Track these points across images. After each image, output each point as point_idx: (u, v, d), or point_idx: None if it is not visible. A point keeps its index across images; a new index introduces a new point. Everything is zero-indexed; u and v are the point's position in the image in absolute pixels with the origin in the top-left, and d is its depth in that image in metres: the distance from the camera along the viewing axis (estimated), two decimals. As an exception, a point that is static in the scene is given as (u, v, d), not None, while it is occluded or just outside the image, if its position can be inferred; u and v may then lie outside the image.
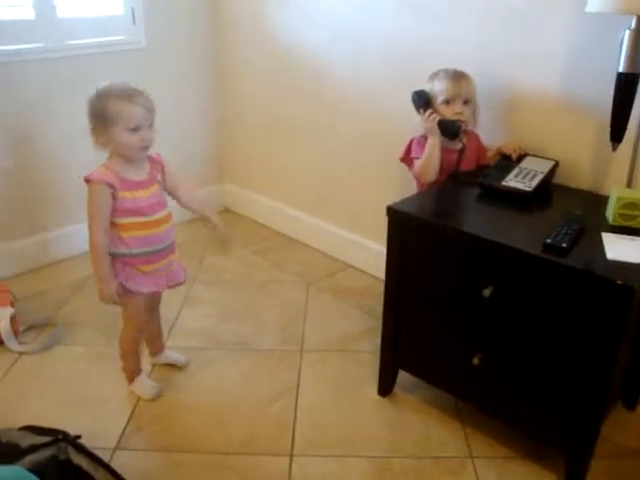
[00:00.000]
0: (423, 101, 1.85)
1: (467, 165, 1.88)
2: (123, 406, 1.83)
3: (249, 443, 1.71)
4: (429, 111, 1.82)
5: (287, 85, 2.64)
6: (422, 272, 1.64)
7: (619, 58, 1.52)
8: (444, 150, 1.84)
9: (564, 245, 1.39)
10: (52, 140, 2.51)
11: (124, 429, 1.75)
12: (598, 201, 1.68)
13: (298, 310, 2.34)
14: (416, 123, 1.89)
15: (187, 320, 2.29)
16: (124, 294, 1.70)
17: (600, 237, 1.47)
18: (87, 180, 1.60)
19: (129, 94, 1.59)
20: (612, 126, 1.59)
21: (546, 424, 1.53)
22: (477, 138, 1.93)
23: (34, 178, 2.53)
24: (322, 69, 2.48)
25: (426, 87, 1.87)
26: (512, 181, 1.70)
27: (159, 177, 1.73)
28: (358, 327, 2.23)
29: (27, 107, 2.42)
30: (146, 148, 1.64)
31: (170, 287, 1.81)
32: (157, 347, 2.01)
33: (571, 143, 1.82)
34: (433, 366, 1.72)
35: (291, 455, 1.66)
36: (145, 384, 1.88)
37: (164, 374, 1.98)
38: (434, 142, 1.81)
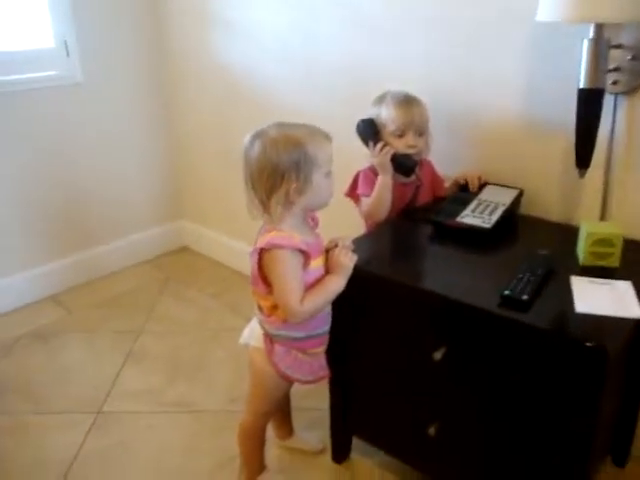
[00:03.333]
0: (372, 132, 1.62)
1: (422, 198, 1.67)
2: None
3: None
4: (380, 144, 1.59)
5: (238, 114, 2.44)
6: (369, 330, 1.42)
7: (579, 72, 1.31)
8: (397, 185, 1.62)
9: (525, 297, 1.17)
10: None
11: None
12: (568, 234, 1.46)
13: (251, 363, 2.12)
14: (364, 154, 1.67)
15: (129, 379, 2.06)
16: (274, 379, 1.43)
17: (569, 282, 1.25)
18: (267, 248, 1.27)
19: (317, 131, 1.31)
20: (577, 150, 1.38)
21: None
22: (431, 167, 1.72)
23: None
24: (272, 96, 2.28)
25: (372, 112, 1.65)
26: (469, 217, 1.48)
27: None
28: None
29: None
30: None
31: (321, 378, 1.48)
32: (288, 429, 1.72)
33: (536, 169, 1.61)
34: (387, 434, 1.50)
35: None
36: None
37: (98, 442, 1.76)
38: (386, 180, 1.59)
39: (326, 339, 1.43)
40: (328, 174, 1.31)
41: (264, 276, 1.32)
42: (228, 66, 2.41)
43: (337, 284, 1.32)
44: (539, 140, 1.59)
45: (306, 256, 1.29)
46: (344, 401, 1.55)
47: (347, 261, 1.31)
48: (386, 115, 1.60)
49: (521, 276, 1.24)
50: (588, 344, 1.06)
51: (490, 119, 1.67)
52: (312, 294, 1.30)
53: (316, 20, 2.02)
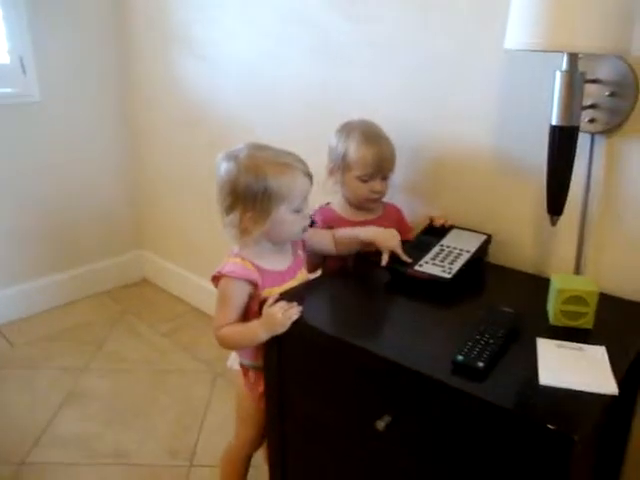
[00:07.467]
0: None
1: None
2: None
3: None
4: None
5: (200, 142, 2.30)
6: (306, 392, 1.25)
7: (551, 107, 1.16)
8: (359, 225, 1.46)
9: (480, 365, 1.00)
10: None
11: None
12: (539, 287, 1.30)
13: (197, 411, 1.93)
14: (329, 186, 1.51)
15: (63, 424, 1.88)
16: (252, 402, 1.37)
17: (534, 346, 1.09)
18: (217, 277, 1.24)
19: (293, 163, 1.23)
20: (548, 194, 1.23)
21: None
22: (398, 212, 1.57)
23: None
24: (234, 121, 2.13)
25: (336, 145, 1.48)
26: (429, 265, 1.32)
27: (302, 255, 1.37)
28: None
29: None
30: (307, 228, 1.30)
31: None
32: None
33: (507, 213, 1.46)
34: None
35: None
36: None
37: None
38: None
39: None
40: (298, 210, 1.24)
41: None
42: (192, 90, 2.27)
43: (256, 335, 1.20)
44: (511, 180, 1.44)
45: (253, 285, 1.23)
46: (282, 467, 1.37)
47: (280, 318, 1.16)
48: (353, 154, 1.43)
49: (478, 337, 1.07)
50: (551, 427, 0.89)
51: (458, 155, 1.52)
52: (232, 328, 1.23)
53: (282, 46, 1.88)
